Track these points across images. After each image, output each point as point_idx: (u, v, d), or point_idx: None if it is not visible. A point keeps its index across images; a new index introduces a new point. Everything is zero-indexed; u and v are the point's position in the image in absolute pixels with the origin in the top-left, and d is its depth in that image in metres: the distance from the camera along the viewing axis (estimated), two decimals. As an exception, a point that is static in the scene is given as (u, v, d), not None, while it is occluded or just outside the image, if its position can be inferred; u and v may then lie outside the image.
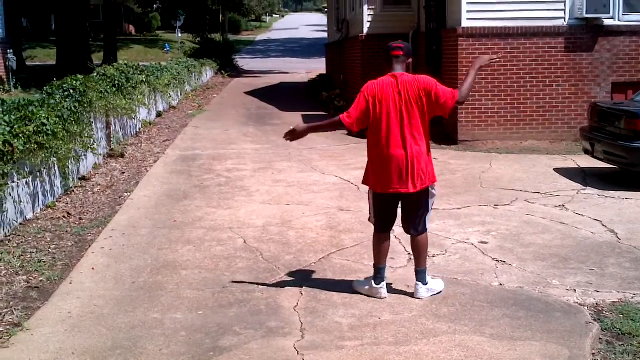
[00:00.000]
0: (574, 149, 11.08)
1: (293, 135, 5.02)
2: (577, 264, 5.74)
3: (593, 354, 4.17)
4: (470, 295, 5.03)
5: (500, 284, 5.30)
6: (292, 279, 5.44)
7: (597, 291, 5.14)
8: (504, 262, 5.82)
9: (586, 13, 11.52)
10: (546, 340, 4.27)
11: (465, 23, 11.67)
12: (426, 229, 5.05)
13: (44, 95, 8.69)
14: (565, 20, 11.80)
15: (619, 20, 11.83)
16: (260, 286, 5.27)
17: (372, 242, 5.15)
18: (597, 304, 4.91)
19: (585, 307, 4.83)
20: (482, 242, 6.36)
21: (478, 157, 10.71)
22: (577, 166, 9.89)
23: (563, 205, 7.66)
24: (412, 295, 5.01)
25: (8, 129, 6.66)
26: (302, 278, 5.44)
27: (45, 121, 7.43)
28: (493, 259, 5.90)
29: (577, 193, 8.25)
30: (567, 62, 11.81)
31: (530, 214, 7.33)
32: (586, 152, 9.42)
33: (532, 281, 5.35)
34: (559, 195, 8.15)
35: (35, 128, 7.18)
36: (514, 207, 7.62)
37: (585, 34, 11.79)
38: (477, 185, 8.74)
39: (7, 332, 4.49)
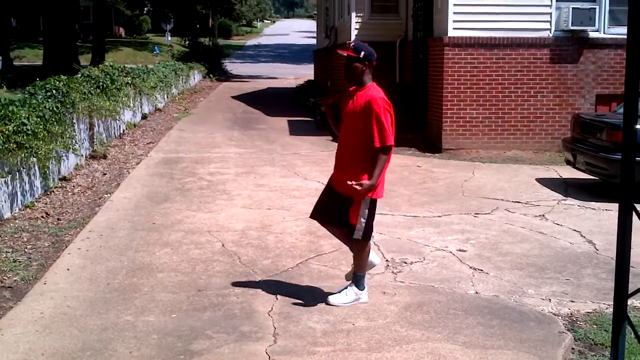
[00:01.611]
0: (556, 159, 11.12)
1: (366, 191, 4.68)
2: (553, 274, 5.75)
3: (565, 363, 4.18)
4: (445, 303, 5.02)
5: (476, 292, 5.30)
6: (268, 283, 5.41)
7: (572, 301, 5.16)
8: (481, 270, 5.82)
9: (572, 25, 11.60)
10: (518, 349, 4.27)
11: (451, 32, 11.73)
12: None
13: (26, 95, 8.62)
14: (551, 32, 11.87)
15: (604, 33, 11.92)
16: (235, 290, 5.23)
17: (358, 251, 4.95)
18: (571, 314, 4.92)
19: (560, 317, 4.84)
20: (460, 250, 6.36)
21: (461, 166, 10.73)
22: (559, 176, 9.94)
23: (543, 215, 7.68)
24: (387, 301, 5.01)
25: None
26: (278, 283, 5.42)
27: (25, 121, 7.38)
28: (470, 267, 5.90)
29: (558, 203, 8.28)
30: (552, 73, 11.89)
31: (510, 223, 7.35)
32: (568, 162, 9.47)
33: (507, 290, 5.36)
34: (540, 205, 8.17)
35: (14, 127, 7.13)
36: (494, 216, 7.63)
37: (570, 46, 11.87)
38: (458, 194, 8.76)
39: (-24, 332, 4.44)
